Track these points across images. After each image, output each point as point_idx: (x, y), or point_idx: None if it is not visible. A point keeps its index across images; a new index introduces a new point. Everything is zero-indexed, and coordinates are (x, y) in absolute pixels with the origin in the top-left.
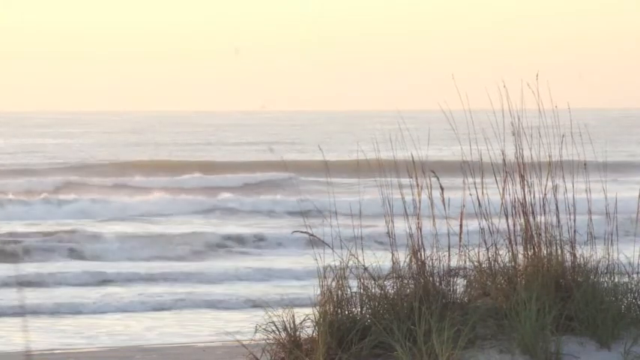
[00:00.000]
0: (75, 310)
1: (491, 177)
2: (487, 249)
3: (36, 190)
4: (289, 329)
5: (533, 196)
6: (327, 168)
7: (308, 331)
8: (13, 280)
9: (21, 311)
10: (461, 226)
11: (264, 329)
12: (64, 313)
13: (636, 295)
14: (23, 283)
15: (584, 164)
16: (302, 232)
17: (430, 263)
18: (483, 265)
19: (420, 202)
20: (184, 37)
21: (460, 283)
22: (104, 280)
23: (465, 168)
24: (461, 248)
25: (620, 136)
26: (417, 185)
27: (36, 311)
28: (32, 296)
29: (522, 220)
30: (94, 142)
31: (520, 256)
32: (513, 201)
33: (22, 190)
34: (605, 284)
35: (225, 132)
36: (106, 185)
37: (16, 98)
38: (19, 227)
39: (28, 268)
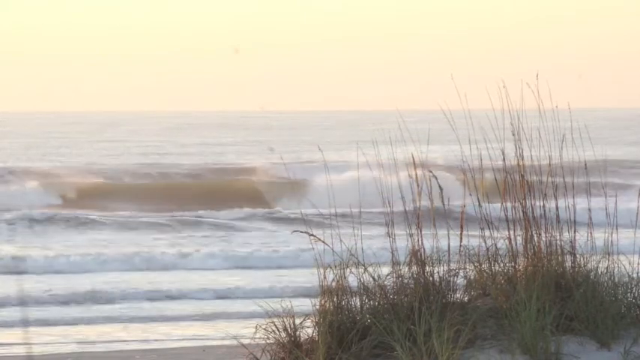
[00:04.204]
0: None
1: (491, 177)
2: (487, 249)
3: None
4: (289, 329)
5: (533, 196)
6: (326, 168)
7: (308, 331)
8: (16, 291)
9: (24, 322)
10: (462, 226)
11: (264, 329)
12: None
13: (636, 295)
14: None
15: (585, 164)
16: (302, 231)
17: (430, 263)
18: (483, 266)
19: (420, 202)
20: (184, 37)
21: (460, 283)
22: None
23: (464, 168)
24: (461, 248)
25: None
26: (417, 185)
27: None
28: None
29: (522, 220)
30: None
31: (520, 256)
32: (513, 201)
33: None
34: (605, 284)
35: (225, 132)
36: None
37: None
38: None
39: None
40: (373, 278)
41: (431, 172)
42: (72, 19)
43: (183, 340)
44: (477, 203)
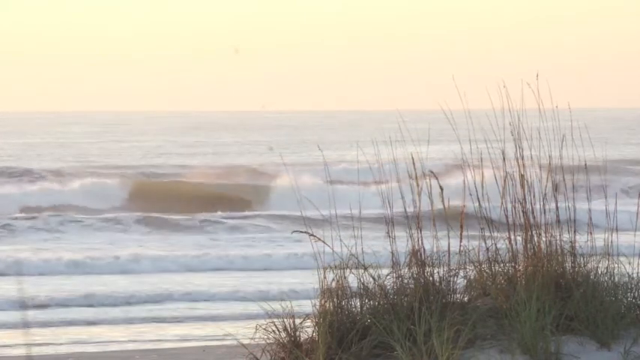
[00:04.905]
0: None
1: (491, 177)
2: (487, 249)
3: None
4: (289, 329)
5: (533, 196)
6: (326, 168)
7: (308, 331)
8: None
9: (24, 323)
10: (461, 226)
11: (264, 329)
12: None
13: (636, 295)
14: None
15: (585, 164)
16: (302, 231)
17: (430, 263)
18: (483, 266)
19: (420, 202)
20: (184, 37)
21: (460, 283)
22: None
23: (464, 168)
24: (461, 248)
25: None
26: (417, 185)
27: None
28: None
29: (522, 220)
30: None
31: (520, 256)
32: (513, 201)
33: None
34: (605, 284)
35: (225, 132)
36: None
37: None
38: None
39: None
40: (373, 278)
41: (432, 172)
42: (72, 20)
43: (183, 340)
44: (477, 203)
